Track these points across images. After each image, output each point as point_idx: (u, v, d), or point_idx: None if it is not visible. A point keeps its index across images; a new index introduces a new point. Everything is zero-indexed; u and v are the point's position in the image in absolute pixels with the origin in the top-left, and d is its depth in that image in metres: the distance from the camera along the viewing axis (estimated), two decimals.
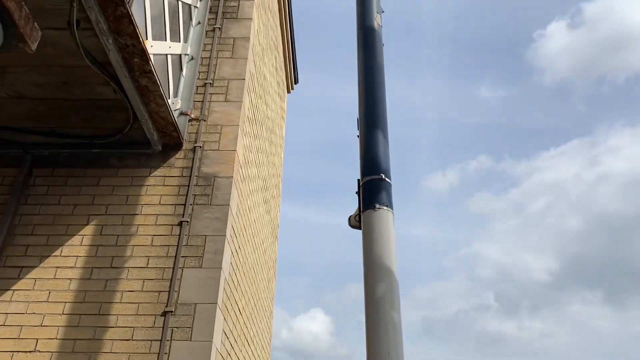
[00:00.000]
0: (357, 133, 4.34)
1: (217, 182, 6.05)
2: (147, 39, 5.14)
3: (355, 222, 4.14)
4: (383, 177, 3.90)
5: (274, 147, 10.43)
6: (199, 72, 6.77)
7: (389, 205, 3.78)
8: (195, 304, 5.23)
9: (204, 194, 5.98)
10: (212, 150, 6.29)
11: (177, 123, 6.08)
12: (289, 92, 12.79)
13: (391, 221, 3.72)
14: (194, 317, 5.15)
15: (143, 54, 4.76)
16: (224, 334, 5.57)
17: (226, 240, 5.71)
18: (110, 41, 4.49)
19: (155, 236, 5.69)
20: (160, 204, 5.91)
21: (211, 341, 5.03)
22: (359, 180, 4.06)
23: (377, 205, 3.76)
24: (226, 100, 6.64)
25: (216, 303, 5.25)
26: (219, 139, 6.36)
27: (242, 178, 6.61)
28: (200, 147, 6.29)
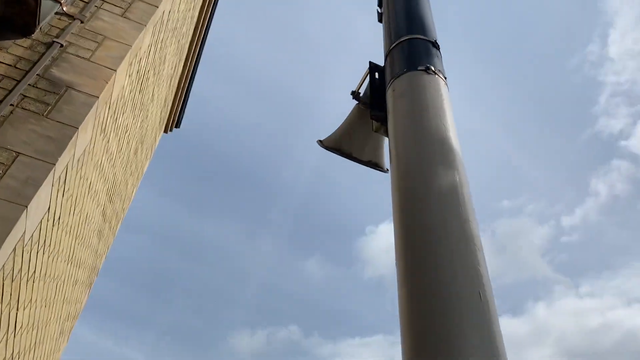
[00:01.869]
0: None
1: (71, 96, 3.73)
2: None
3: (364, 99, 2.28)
4: (437, 43, 2.17)
5: (141, 150, 7.98)
6: None
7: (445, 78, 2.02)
8: None
9: (40, 101, 3.59)
10: (80, 57, 4.03)
11: (40, 2, 3.85)
12: (166, 131, 10.68)
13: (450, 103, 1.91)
14: None
15: None
16: None
17: (50, 179, 3.27)
18: None
19: None
20: None
21: None
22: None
23: (432, 69, 1.97)
24: (123, 17, 4.56)
25: None
26: (96, 49, 4.15)
27: (112, 112, 4.29)
28: (61, 45, 4.01)
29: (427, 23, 2.26)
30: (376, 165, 2.48)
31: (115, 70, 4.08)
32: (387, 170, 2.55)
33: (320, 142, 2.50)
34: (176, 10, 6.27)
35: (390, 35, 2.28)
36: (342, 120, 2.51)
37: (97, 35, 4.27)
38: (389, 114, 1.95)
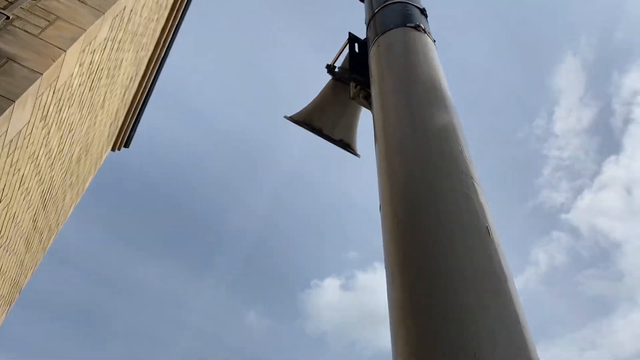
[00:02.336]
0: None
1: (12, 68, 3.38)
2: None
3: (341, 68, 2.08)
4: (425, 10, 2.01)
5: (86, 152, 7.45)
6: None
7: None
8: None
9: None
10: (27, 32, 3.70)
11: None
12: (113, 149, 10.15)
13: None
14: None
15: None
16: None
17: None
18: None
19: None
20: None
21: None
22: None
23: (423, 27, 1.80)
24: (81, 1, 4.28)
25: None
26: (46, 27, 3.83)
27: (56, 100, 3.93)
28: (8, 17, 3.68)
29: None
30: (347, 146, 2.26)
31: (65, 51, 3.76)
32: (359, 154, 2.34)
33: (289, 117, 2.27)
34: (138, 13, 6.02)
35: (374, 3, 2.11)
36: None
37: (50, 14, 3.95)
38: (372, 72, 1.75)
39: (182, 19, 9.65)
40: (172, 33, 9.76)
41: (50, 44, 3.72)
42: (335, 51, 2.34)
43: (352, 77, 1.95)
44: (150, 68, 9.66)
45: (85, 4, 4.28)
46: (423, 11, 1.99)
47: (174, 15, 9.15)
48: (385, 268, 1.08)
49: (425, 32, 1.78)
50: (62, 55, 3.73)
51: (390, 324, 0.95)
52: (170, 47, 10.28)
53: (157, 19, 7.96)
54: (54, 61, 3.64)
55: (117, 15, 4.87)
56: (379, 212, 1.26)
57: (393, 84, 1.54)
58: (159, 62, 9.99)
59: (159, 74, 10.51)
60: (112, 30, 4.96)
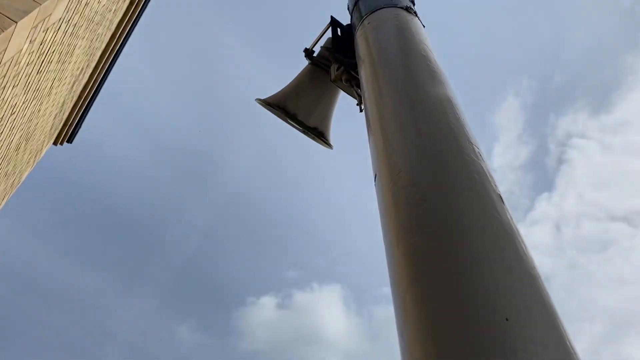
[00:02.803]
0: None
1: None
2: None
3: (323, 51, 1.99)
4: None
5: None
6: None
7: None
8: None
9: None
10: None
11: None
12: (55, 143, 9.62)
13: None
14: None
15: None
16: None
17: None
18: None
19: None
20: None
21: None
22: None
23: (414, 9, 1.75)
24: None
25: None
26: None
27: (1, 72, 3.65)
28: None
29: None
30: (321, 135, 2.16)
31: (16, 23, 3.50)
32: (332, 146, 2.24)
33: (262, 100, 2.15)
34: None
35: None
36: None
37: None
38: (360, 53, 1.67)
39: (141, 14, 9.36)
40: (128, 27, 9.44)
41: (0, 13, 3.46)
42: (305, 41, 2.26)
43: (335, 57, 1.87)
44: (103, 61, 9.29)
45: None
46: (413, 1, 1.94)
47: (132, 8, 8.86)
48: (385, 237, 0.98)
49: (416, 15, 1.72)
50: (13, 27, 3.47)
51: (396, 290, 0.85)
52: (125, 43, 9.95)
53: (115, 10, 7.68)
54: (3, 31, 3.38)
55: None
56: (374, 184, 1.16)
57: (383, 60, 1.46)
58: (113, 56, 9.64)
59: (110, 70, 10.13)
60: (68, 12, 4.70)
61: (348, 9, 2.13)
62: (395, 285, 0.87)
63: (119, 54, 9.97)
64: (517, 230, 0.88)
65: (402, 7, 1.71)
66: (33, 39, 4.12)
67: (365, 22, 1.72)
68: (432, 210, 0.88)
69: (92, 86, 9.65)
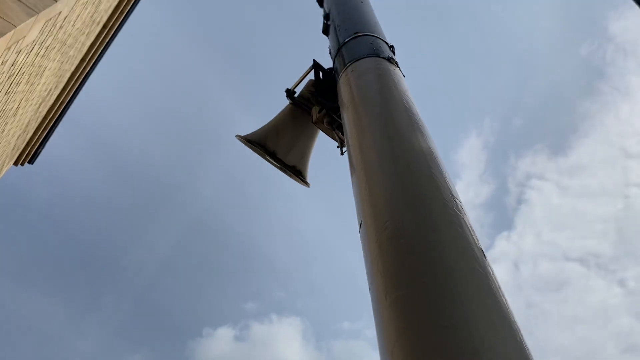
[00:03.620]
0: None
1: None
2: None
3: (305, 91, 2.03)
4: (394, 48, 2.05)
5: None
6: None
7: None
8: None
9: None
10: None
11: None
12: (16, 163, 9.32)
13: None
14: None
15: None
16: None
17: None
18: None
19: None
20: None
21: None
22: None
23: (395, 60, 1.83)
24: None
25: None
26: None
27: None
28: None
29: (382, 32, 2.15)
30: (299, 174, 2.20)
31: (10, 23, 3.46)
32: (309, 184, 2.28)
33: (242, 137, 2.18)
34: (72, 22, 5.73)
35: (340, 36, 2.11)
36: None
37: None
38: (343, 98, 1.73)
39: (113, 39, 9.33)
40: (99, 51, 9.38)
41: None
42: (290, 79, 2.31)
43: (317, 100, 1.92)
44: (72, 84, 9.17)
45: (20, 1, 4.01)
46: (392, 48, 2.02)
47: (105, 33, 8.82)
48: (371, 286, 1.02)
49: (397, 66, 1.80)
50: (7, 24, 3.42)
51: (383, 340, 0.87)
52: (95, 66, 9.87)
53: (88, 33, 7.63)
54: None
55: (50, 19, 4.59)
56: (359, 232, 1.20)
57: (367, 108, 1.51)
58: (81, 79, 9.53)
59: (78, 92, 10.00)
60: (42, 34, 4.66)
61: (330, 53, 2.20)
62: (382, 335, 0.90)
63: (88, 77, 9.86)
64: (498, 284, 0.93)
65: (384, 58, 1.79)
66: (5, 60, 4.06)
67: (349, 69, 1.78)
68: (419, 262, 0.92)
69: (58, 107, 9.49)
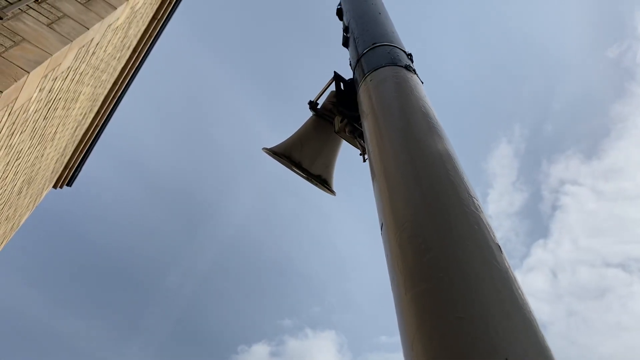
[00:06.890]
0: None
1: None
2: None
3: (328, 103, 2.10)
4: (411, 56, 2.09)
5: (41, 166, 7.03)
6: None
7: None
8: None
9: None
10: None
11: None
12: (55, 186, 9.69)
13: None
14: None
15: None
16: None
17: None
18: None
19: None
20: None
21: None
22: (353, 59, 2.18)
23: (413, 67, 1.88)
24: (49, 27, 4.20)
25: None
26: (10, 47, 3.72)
27: (10, 123, 3.76)
28: None
29: (400, 41, 2.20)
30: (324, 182, 2.26)
31: (29, 73, 3.64)
32: (335, 192, 2.33)
33: (268, 149, 2.25)
34: (104, 48, 5.96)
35: (359, 47, 2.18)
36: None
37: (16, 35, 3.85)
38: (363, 107, 1.78)
39: (144, 61, 9.63)
40: (131, 74, 9.68)
41: (13, 63, 3.60)
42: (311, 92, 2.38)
43: (339, 110, 1.98)
44: (105, 107, 9.49)
45: (54, 30, 4.21)
46: (410, 56, 2.07)
47: (135, 56, 9.11)
48: (392, 283, 1.06)
49: (415, 73, 1.84)
50: (25, 77, 3.60)
51: (405, 333, 0.92)
52: (127, 89, 10.18)
53: (119, 57, 7.91)
54: (16, 81, 3.51)
55: (83, 46, 4.80)
56: (380, 233, 1.24)
57: (386, 115, 1.56)
58: (114, 102, 9.84)
59: (112, 115, 10.32)
60: (76, 60, 4.87)
61: (350, 65, 2.26)
62: (403, 329, 0.94)
63: (121, 100, 10.18)
64: (514, 277, 0.96)
65: (401, 66, 1.84)
66: (43, 87, 4.26)
67: (368, 78, 1.84)
68: (436, 259, 0.96)
69: (93, 130, 9.81)
